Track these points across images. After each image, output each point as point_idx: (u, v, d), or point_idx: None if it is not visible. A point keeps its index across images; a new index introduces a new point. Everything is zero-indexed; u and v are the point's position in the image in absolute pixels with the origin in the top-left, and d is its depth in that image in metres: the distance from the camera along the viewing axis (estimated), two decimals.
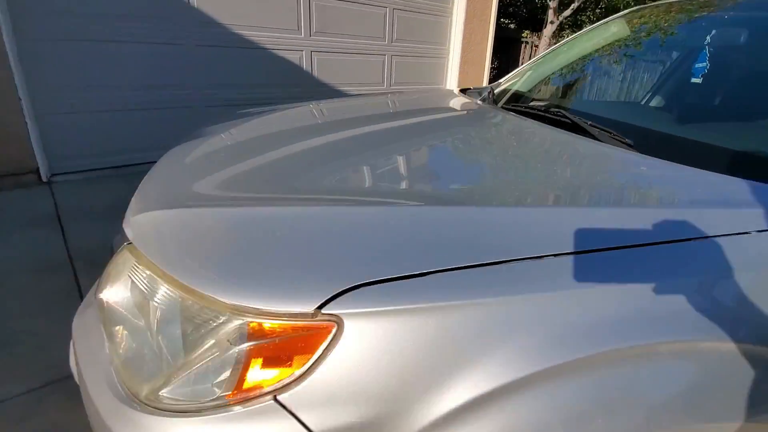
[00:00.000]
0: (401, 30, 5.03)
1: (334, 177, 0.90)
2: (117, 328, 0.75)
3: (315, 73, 4.51)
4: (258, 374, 0.58)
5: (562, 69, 1.92)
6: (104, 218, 2.76)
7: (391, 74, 5.17)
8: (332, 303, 0.57)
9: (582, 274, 0.59)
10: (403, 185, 0.86)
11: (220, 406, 0.58)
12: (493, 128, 1.28)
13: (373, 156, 1.02)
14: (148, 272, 0.71)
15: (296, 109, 1.61)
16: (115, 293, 0.78)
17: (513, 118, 1.32)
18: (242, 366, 0.58)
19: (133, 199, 0.91)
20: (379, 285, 0.58)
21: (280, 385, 0.57)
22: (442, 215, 0.70)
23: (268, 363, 0.58)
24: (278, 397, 0.56)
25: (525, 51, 6.77)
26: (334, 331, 0.56)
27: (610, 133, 1.09)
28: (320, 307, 0.56)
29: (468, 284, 0.58)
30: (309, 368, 0.56)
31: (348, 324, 0.56)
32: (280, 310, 0.57)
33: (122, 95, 3.44)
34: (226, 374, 0.59)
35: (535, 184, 0.83)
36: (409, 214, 0.71)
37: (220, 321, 0.60)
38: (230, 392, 0.58)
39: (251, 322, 0.58)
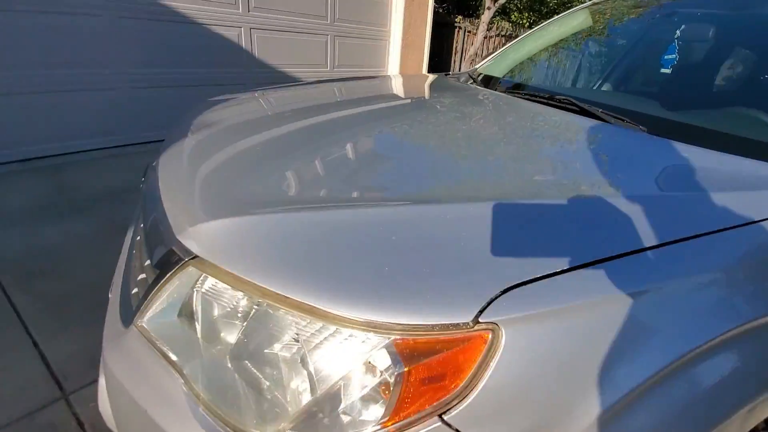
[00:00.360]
0: (343, 9, 4.86)
1: (410, 168, 0.83)
2: (192, 359, 0.63)
3: (255, 52, 4.19)
4: (416, 396, 0.51)
5: (542, 54, 1.99)
6: (22, 222, 2.33)
7: (335, 55, 4.99)
8: (487, 310, 0.52)
9: (710, 257, 0.62)
10: (508, 177, 0.82)
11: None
12: (541, 120, 1.28)
13: (436, 139, 0.96)
14: (234, 291, 0.60)
15: (304, 89, 1.48)
16: (175, 318, 0.66)
17: (556, 113, 1.31)
18: (398, 388, 0.51)
19: (168, 207, 0.75)
20: (528, 286, 0.55)
21: (443, 404, 0.52)
22: (569, 206, 0.68)
23: (425, 382, 0.52)
24: (445, 417, 0.51)
25: (458, 36, 6.94)
26: (490, 339, 0.52)
27: (624, 120, 1.15)
28: (478, 315, 0.52)
29: (613, 276, 0.58)
30: (470, 382, 0.52)
31: (505, 330, 0.52)
32: (433, 322, 0.52)
33: (26, 75, 2.88)
34: (377, 400, 0.52)
35: (626, 173, 0.85)
36: (536, 209, 0.68)
37: (357, 340, 0.53)
38: (386, 419, 0.52)
39: (398, 339, 0.52)
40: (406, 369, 0.51)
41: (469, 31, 6.74)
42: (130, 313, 0.76)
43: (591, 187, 0.77)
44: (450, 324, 0.52)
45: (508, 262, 0.57)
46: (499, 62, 2.02)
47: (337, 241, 0.61)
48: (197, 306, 0.65)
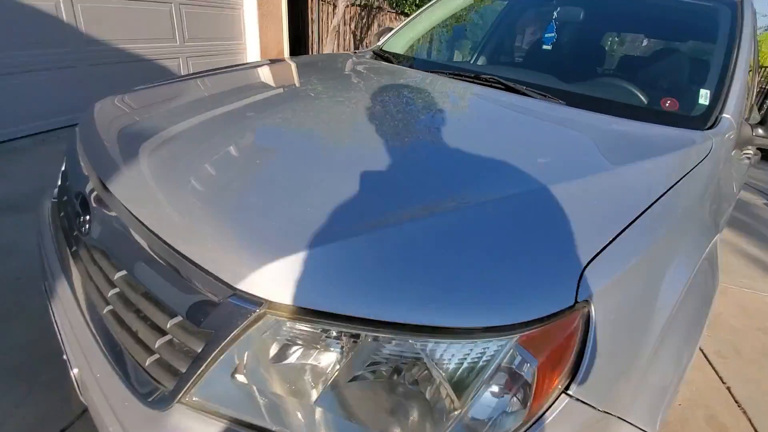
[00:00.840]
0: None
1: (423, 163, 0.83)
2: (288, 415, 0.56)
3: (82, 27, 3.38)
4: (547, 382, 0.56)
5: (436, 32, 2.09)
6: None
7: (183, 28, 4.35)
8: (580, 289, 0.60)
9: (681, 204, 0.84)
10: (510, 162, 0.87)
11: (518, 428, 0.56)
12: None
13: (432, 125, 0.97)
14: (326, 329, 0.55)
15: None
16: (230, 378, 0.58)
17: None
18: (533, 381, 0.55)
19: (191, 252, 0.61)
20: (595, 260, 0.63)
21: (565, 382, 0.58)
22: (584, 182, 0.78)
23: (551, 367, 0.57)
24: (569, 393, 0.58)
25: (313, 5, 6.71)
26: (587, 313, 0.60)
27: (546, 96, 1.33)
28: (576, 296, 0.59)
29: (644, 234, 0.71)
30: (579, 355, 0.59)
31: (594, 303, 0.60)
32: (546, 313, 0.57)
33: None
34: (516, 397, 0.55)
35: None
36: (560, 191, 0.75)
37: (483, 348, 0.55)
38: (528, 411, 0.55)
39: (523, 337, 0.56)
40: (538, 362, 0.56)
41: (324, 1, 6.57)
42: (158, 389, 0.62)
43: (590, 159, 0.91)
44: (559, 311, 0.57)
45: (572, 243, 0.65)
46: (401, 39, 2.06)
47: (424, 255, 0.60)
48: (276, 355, 0.57)
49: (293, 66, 1.71)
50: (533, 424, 0.56)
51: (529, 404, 0.56)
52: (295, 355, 0.58)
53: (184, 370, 0.60)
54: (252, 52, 5.45)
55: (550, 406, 0.57)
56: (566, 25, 1.89)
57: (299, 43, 6.69)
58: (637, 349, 0.67)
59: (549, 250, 0.64)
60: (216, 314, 0.58)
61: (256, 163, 0.82)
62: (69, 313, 0.83)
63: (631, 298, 0.67)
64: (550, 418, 0.56)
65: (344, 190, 0.72)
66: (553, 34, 1.92)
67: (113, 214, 0.76)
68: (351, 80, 1.54)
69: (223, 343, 0.57)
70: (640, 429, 0.66)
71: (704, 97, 1.32)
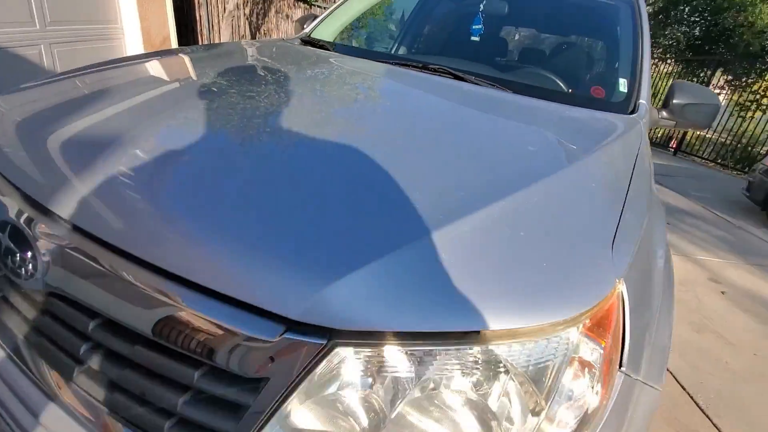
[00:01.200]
0: None
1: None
2: None
3: None
4: (609, 362, 0.59)
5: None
6: None
7: (44, 9, 3.59)
8: (615, 270, 0.63)
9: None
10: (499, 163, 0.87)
11: (594, 414, 0.57)
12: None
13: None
14: (397, 351, 0.51)
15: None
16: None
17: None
18: (602, 363, 0.57)
19: (229, 283, 0.49)
20: (616, 239, 0.68)
21: (618, 359, 0.61)
22: (583, 170, 0.83)
23: (610, 347, 0.59)
24: (622, 369, 0.61)
25: None
26: (623, 290, 0.64)
27: (494, 84, 1.39)
28: (617, 275, 0.62)
29: (636, 211, 0.78)
30: (623, 330, 0.63)
31: (625, 280, 0.65)
32: (599, 299, 0.58)
33: None
34: (591, 383, 0.56)
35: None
36: (561, 179, 0.79)
37: (557, 343, 0.55)
38: (602, 393, 0.57)
39: (587, 323, 0.57)
40: (603, 344, 0.58)
41: None
42: None
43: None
44: (609, 293, 0.60)
45: (593, 227, 0.69)
46: (331, 25, 1.97)
47: (484, 259, 0.58)
48: (346, 389, 0.51)
49: (224, 53, 1.52)
50: (605, 406, 0.58)
51: (599, 388, 0.58)
52: (366, 384, 0.52)
53: (232, 430, 0.49)
54: (132, 39, 4.75)
55: (612, 386, 0.60)
56: (500, 20, 1.99)
57: (187, 29, 6.03)
58: (650, 316, 0.74)
59: (581, 237, 0.66)
60: (269, 355, 0.49)
61: (248, 168, 0.71)
62: (14, 384, 0.63)
63: (641, 271, 0.74)
64: (615, 397, 0.59)
65: (375, 197, 0.66)
66: (480, 26, 2.01)
67: (72, 246, 0.59)
68: (306, 72, 1.41)
69: (286, 389, 0.48)
70: (654, 387, 0.74)
71: (623, 85, 1.50)
